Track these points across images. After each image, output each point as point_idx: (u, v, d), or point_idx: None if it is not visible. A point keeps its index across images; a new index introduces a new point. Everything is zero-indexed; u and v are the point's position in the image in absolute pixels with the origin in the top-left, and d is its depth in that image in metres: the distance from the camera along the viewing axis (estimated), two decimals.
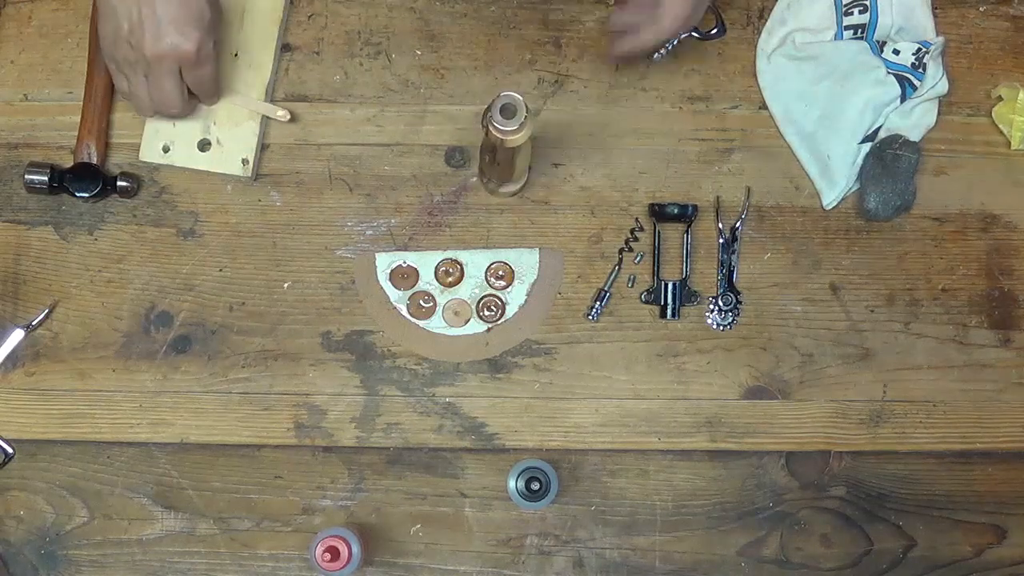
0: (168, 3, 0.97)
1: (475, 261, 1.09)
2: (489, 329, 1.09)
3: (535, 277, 1.09)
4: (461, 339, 1.09)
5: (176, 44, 0.98)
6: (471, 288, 1.09)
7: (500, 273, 1.09)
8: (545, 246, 1.10)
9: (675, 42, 1.10)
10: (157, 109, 1.04)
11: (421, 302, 1.09)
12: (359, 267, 1.09)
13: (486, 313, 1.09)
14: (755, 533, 1.08)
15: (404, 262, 1.09)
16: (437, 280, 1.09)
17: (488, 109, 0.96)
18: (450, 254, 1.09)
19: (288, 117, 1.08)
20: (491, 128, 0.96)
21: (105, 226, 1.09)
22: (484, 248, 1.10)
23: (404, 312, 1.09)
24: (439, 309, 1.09)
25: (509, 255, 1.10)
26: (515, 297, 1.09)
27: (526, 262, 1.10)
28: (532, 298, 1.09)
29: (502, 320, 1.09)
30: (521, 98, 0.95)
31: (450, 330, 1.09)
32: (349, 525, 1.05)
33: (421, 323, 1.09)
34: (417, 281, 1.09)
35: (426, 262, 1.09)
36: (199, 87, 1.04)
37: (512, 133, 0.95)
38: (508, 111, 0.95)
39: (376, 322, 1.08)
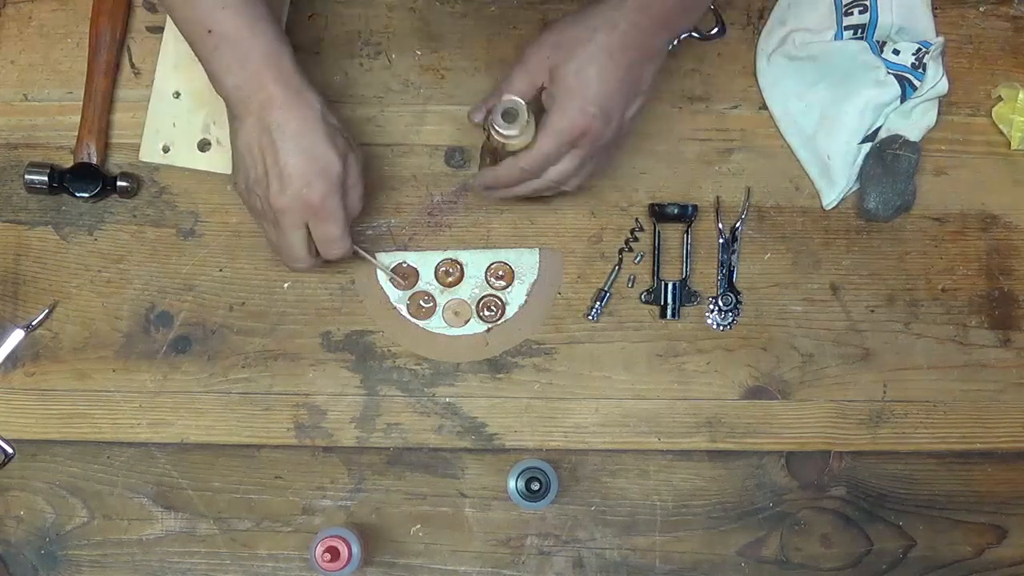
0: (293, 154, 0.91)
1: (475, 261, 1.09)
2: (489, 329, 1.09)
3: (535, 277, 1.09)
4: (461, 339, 1.09)
5: (298, 196, 0.93)
6: (471, 288, 1.09)
7: (500, 273, 1.09)
8: (545, 246, 1.10)
9: (675, 42, 1.10)
10: (285, 262, 1.00)
11: (421, 302, 1.09)
12: (359, 267, 1.09)
13: (486, 313, 1.09)
14: (755, 533, 1.08)
15: (404, 262, 1.09)
16: (437, 280, 1.09)
17: (490, 113, 0.95)
18: (450, 254, 1.09)
19: (402, 287, 1.08)
20: (493, 132, 0.95)
21: (105, 226, 1.09)
22: (484, 248, 1.10)
23: (404, 312, 1.09)
24: (439, 309, 1.09)
25: (509, 255, 1.10)
26: (515, 297, 1.09)
27: (526, 262, 1.10)
28: (532, 298, 1.09)
29: (502, 320, 1.09)
30: (523, 102, 0.94)
31: (450, 330, 1.09)
32: (349, 525, 1.05)
33: (421, 323, 1.09)
34: (417, 281, 1.09)
35: (426, 262, 1.09)
36: (321, 243, 0.97)
37: (514, 137, 0.95)
38: (510, 115, 0.95)
39: (376, 322, 1.09)
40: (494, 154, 0.99)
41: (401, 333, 1.09)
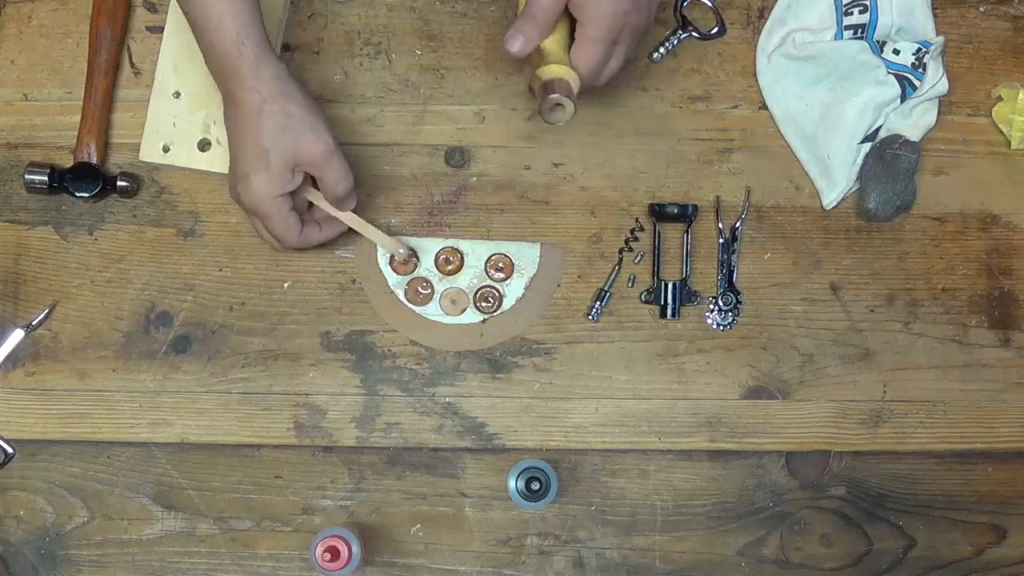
0: (278, 149, 0.95)
1: (476, 251, 1.09)
2: (485, 320, 1.09)
3: (534, 271, 1.09)
4: (456, 328, 1.09)
5: (283, 188, 0.97)
6: (470, 278, 1.09)
7: (500, 265, 1.09)
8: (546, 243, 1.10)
9: (676, 42, 1.10)
10: (286, 247, 1.02)
11: (419, 288, 1.09)
12: (360, 250, 1.09)
13: (483, 304, 1.09)
14: (755, 533, 1.08)
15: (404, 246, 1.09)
16: (437, 268, 1.09)
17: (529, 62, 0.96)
18: (451, 242, 1.09)
19: (406, 255, 1.08)
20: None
21: (105, 226, 1.09)
22: (486, 239, 1.10)
23: (402, 297, 1.09)
24: (436, 296, 1.09)
25: (510, 248, 1.10)
26: (513, 290, 1.09)
27: (527, 256, 1.10)
28: (530, 292, 1.09)
29: (498, 312, 1.09)
30: (569, 101, 0.94)
31: (446, 318, 1.09)
32: (349, 525, 1.05)
33: (418, 309, 1.09)
34: (417, 267, 1.09)
35: (427, 249, 1.09)
36: (274, 233, 1.00)
37: (561, 120, 0.96)
38: (558, 112, 0.95)
39: (373, 306, 1.08)
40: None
41: (397, 318, 1.09)
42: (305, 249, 1.05)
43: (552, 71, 0.95)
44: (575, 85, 0.95)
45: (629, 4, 0.94)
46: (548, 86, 0.94)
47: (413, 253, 1.08)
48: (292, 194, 0.99)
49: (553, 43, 0.96)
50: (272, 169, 0.96)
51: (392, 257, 1.09)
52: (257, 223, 1.01)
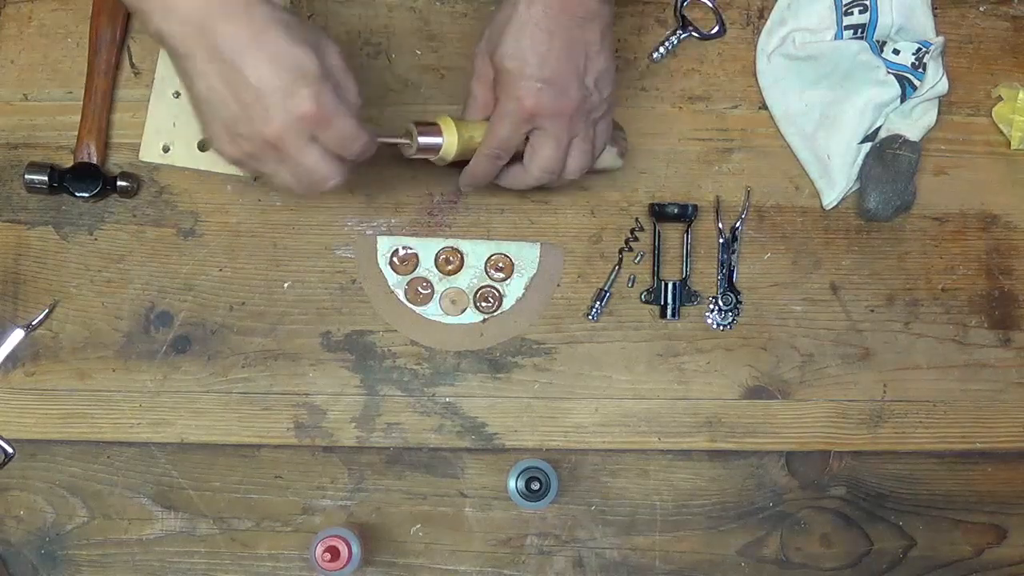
0: (259, 65, 0.80)
1: (476, 251, 1.09)
2: (485, 320, 1.09)
3: (534, 271, 1.09)
4: (456, 328, 1.09)
5: (288, 111, 0.82)
6: (470, 278, 1.09)
7: (500, 265, 1.09)
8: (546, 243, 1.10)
9: (676, 42, 1.10)
10: (312, 190, 0.88)
11: (419, 288, 1.09)
12: (360, 249, 1.09)
13: (483, 304, 1.09)
14: (755, 533, 1.08)
15: (403, 246, 1.09)
16: (437, 268, 1.09)
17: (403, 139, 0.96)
18: (451, 242, 1.09)
19: (411, 146, 0.98)
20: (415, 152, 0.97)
21: (105, 226, 1.09)
22: (486, 239, 1.10)
23: (402, 297, 1.09)
24: (436, 296, 1.09)
25: (510, 248, 1.10)
26: (513, 290, 1.09)
27: (527, 256, 1.10)
28: (530, 292, 1.09)
29: (498, 312, 1.09)
30: (408, 126, 0.95)
31: (446, 318, 1.09)
32: (349, 525, 1.05)
33: (418, 309, 1.09)
34: (417, 267, 1.09)
35: (426, 249, 1.09)
36: (342, 147, 0.86)
37: (427, 150, 0.96)
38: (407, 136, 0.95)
39: (373, 306, 1.08)
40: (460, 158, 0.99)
41: (397, 318, 1.09)
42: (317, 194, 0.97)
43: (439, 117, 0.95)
44: (448, 140, 0.94)
45: (543, 84, 0.90)
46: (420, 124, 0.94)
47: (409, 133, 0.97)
48: None
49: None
50: (313, 64, 0.82)
51: (392, 256, 1.09)
52: (276, 165, 0.86)
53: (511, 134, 0.94)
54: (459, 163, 0.98)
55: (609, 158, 1.04)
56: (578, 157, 0.96)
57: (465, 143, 0.95)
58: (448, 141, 0.95)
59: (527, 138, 0.95)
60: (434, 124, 0.95)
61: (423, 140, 0.94)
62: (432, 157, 0.96)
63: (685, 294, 1.09)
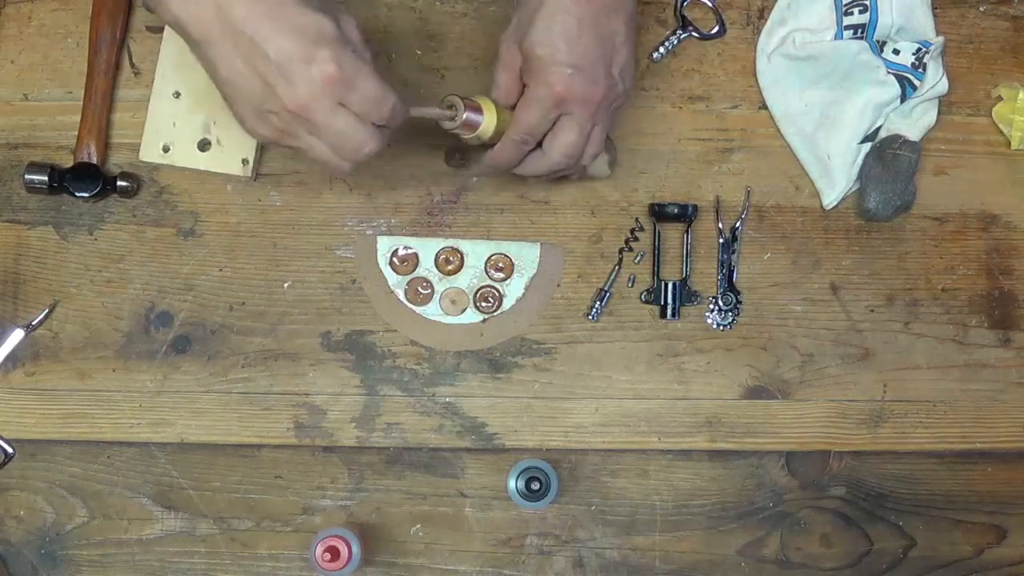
0: (277, 38, 0.80)
1: (476, 251, 1.09)
2: (485, 320, 1.09)
3: (534, 271, 1.09)
4: (456, 328, 1.09)
5: (312, 79, 0.81)
6: (470, 278, 1.09)
7: (500, 265, 1.09)
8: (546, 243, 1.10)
9: (676, 42, 1.10)
10: (349, 158, 0.87)
11: (419, 288, 1.09)
12: (360, 249, 1.09)
13: (483, 304, 1.09)
14: (755, 533, 1.08)
15: (403, 247, 1.09)
16: (437, 268, 1.09)
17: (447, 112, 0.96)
18: (451, 242, 1.09)
19: (455, 119, 0.95)
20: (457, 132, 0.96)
21: (105, 226, 1.09)
22: (486, 239, 1.10)
23: (402, 297, 1.09)
24: (436, 296, 1.09)
25: (510, 248, 1.10)
26: (513, 290, 1.09)
27: (527, 256, 1.10)
28: (530, 292, 1.09)
29: (498, 312, 1.09)
30: (457, 97, 0.94)
31: (446, 318, 1.09)
32: (349, 525, 1.05)
33: (418, 309, 1.09)
34: (417, 267, 1.09)
35: (427, 249, 1.09)
36: (370, 110, 0.85)
37: (468, 129, 0.96)
38: (451, 112, 0.95)
39: (373, 306, 1.08)
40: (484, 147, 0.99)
41: (397, 318, 1.09)
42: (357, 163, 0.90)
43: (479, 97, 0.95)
44: (488, 119, 0.95)
45: (574, 70, 0.91)
46: (465, 100, 0.94)
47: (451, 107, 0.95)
48: None
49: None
50: (330, 27, 0.82)
51: (392, 256, 1.09)
52: (309, 137, 0.86)
53: (540, 120, 0.94)
54: (458, 159, 0.98)
55: (600, 165, 1.04)
56: (595, 145, 0.98)
57: (501, 126, 0.96)
58: (488, 120, 0.95)
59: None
60: (475, 102, 0.95)
61: (470, 115, 0.94)
62: (468, 135, 0.96)
63: (685, 294, 1.09)
